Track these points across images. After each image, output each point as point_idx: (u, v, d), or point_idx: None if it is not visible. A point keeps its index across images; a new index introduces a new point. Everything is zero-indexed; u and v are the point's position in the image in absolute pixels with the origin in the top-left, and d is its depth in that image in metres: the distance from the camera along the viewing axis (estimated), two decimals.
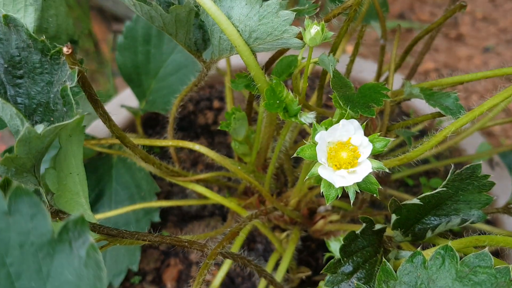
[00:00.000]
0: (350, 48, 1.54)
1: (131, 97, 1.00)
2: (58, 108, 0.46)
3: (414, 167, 0.91)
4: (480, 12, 1.93)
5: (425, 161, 0.96)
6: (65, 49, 0.43)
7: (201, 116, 1.05)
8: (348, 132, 0.50)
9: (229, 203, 0.74)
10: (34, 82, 0.48)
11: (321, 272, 0.56)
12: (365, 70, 1.07)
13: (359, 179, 0.48)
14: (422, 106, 1.04)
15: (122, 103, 0.93)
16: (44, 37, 0.46)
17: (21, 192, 0.31)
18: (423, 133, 1.00)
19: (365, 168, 0.49)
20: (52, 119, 0.47)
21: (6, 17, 0.46)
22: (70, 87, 0.44)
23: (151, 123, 1.04)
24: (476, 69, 1.75)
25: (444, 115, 0.60)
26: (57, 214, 0.48)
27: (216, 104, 1.07)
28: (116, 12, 1.88)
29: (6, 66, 0.48)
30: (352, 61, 0.71)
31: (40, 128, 0.42)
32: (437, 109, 0.60)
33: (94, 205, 0.82)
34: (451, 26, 1.87)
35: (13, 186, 0.31)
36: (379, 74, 0.79)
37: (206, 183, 0.79)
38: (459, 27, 1.88)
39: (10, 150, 0.84)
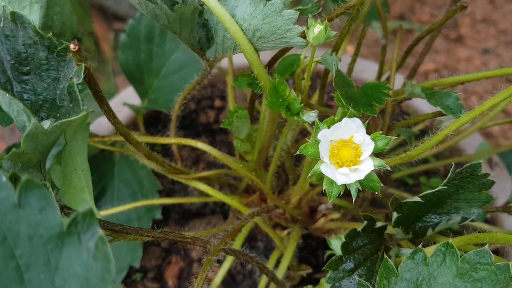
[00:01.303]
0: (350, 49, 1.55)
1: (132, 96, 1.01)
2: (65, 104, 0.46)
3: (414, 167, 0.91)
4: (479, 14, 1.94)
5: (425, 160, 0.97)
6: (72, 46, 0.44)
7: (202, 115, 1.05)
8: (350, 130, 0.50)
9: (231, 201, 0.75)
10: (41, 79, 0.48)
11: (323, 269, 0.57)
12: (366, 70, 1.08)
13: (361, 177, 0.48)
14: (422, 106, 1.05)
15: (124, 102, 0.93)
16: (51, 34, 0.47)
17: (31, 185, 0.32)
18: (423, 133, 1.01)
19: (367, 166, 0.49)
20: (58, 115, 0.47)
21: (13, 14, 0.47)
22: (76, 84, 0.44)
23: (153, 121, 1.05)
24: (476, 70, 1.75)
25: (444, 115, 0.61)
26: (62, 209, 0.48)
27: (217, 103, 1.07)
28: (117, 11, 1.89)
29: (12, 62, 0.48)
30: (354, 61, 0.71)
31: (46, 124, 0.43)
32: (438, 109, 0.61)
33: (97, 203, 0.82)
34: (451, 28, 1.88)
35: (23, 179, 0.32)
36: (380, 74, 0.79)
37: (208, 181, 0.79)
38: (459, 28, 1.89)
39: (14, 146, 0.84)
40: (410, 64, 1.30)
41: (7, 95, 0.43)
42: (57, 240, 0.33)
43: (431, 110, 1.04)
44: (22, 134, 0.46)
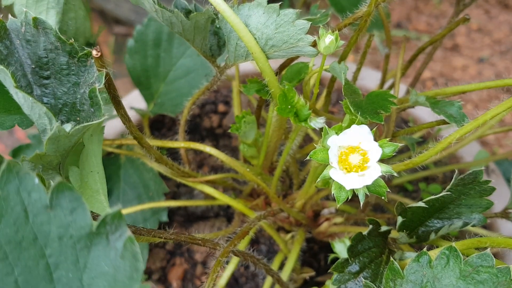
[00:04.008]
0: (351, 57, 1.58)
1: (137, 99, 1.02)
2: (85, 108, 0.48)
3: (414, 173, 0.94)
4: (475, 24, 1.97)
5: (424, 167, 0.99)
6: (94, 52, 0.45)
7: (206, 119, 1.07)
8: (358, 137, 0.52)
9: (237, 204, 0.77)
10: (61, 83, 0.49)
11: (329, 271, 0.59)
12: (366, 78, 1.10)
13: (369, 182, 0.50)
14: (421, 114, 1.08)
15: (129, 105, 0.95)
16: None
17: (63, 187, 0.33)
18: (423, 140, 1.03)
19: (374, 171, 0.51)
20: (78, 119, 0.48)
21: (35, 19, 0.48)
22: (98, 89, 0.46)
23: (157, 125, 1.06)
24: (471, 79, 1.79)
25: (447, 123, 0.63)
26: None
27: (221, 108, 1.09)
28: (117, 15, 1.90)
29: (33, 67, 0.50)
30: (358, 69, 0.73)
31: (68, 127, 0.44)
32: (440, 117, 0.63)
33: None
34: (447, 37, 1.91)
35: (56, 181, 0.33)
36: (383, 82, 0.82)
37: (213, 184, 0.81)
38: (455, 37, 1.93)
39: (19, 148, 0.85)
40: (407, 73, 1.32)
41: (30, 98, 0.44)
42: (86, 240, 0.34)
43: (430, 118, 1.06)
44: (43, 137, 0.47)
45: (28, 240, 0.34)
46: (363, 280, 0.55)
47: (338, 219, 0.77)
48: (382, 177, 0.53)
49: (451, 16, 0.75)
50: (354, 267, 0.59)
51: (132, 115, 0.99)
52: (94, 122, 0.44)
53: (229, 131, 0.71)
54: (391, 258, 0.52)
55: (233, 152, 1.01)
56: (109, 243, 0.34)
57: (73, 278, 0.35)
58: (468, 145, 0.99)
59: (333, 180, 0.51)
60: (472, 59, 1.87)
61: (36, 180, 0.34)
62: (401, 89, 0.90)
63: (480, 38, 1.94)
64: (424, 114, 1.07)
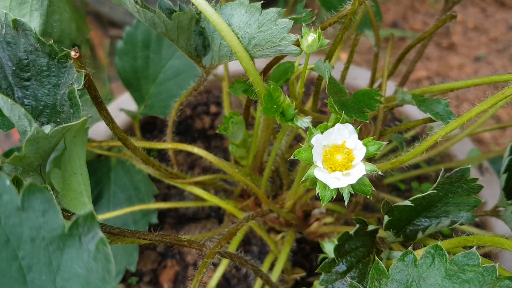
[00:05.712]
0: (344, 56, 1.57)
1: (129, 102, 1.02)
2: (65, 109, 0.47)
3: (406, 172, 0.93)
4: (471, 22, 1.97)
5: (416, 166, 0.98)
6: (73, 53, 0.45)
7: (198, 121, 1.07)
8: (343, 136, 0.52)
9: (226, 205, 0.76)
10: (41, 85, 0.49)
11: (316, 271, 0.58)
12: (359, 77, 1.09)
13: (353, 181, 0.50)
14: (414, 112, 1.07)
15: (121, 107, 0.95)
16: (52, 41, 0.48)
17: (34, 189, 0.33)
18: (415, 139, 1.03)
19: (359, 170, 0.51)
20: (58, 120, 0.48)
21: (15, 21, 0.48)
22: (77, 90, 0.46)
23: (149, 127, 1.06)
24: (467, 77, 1.78)
25: (434, 121, 0.62)
26: (61, 212, 0.49)
27: (213, 109, 1.09)
28: (112, 17, 1.90)
29: (14, 68, 0.49)
30: (346, 68, 0.73)
31: (47, 129, 0.44)
32: (428, 115, 0.63)
33: (93, 207, 0.83)
34: (443, 36, 1.91)
35: (26, 183, 0.33)
36: (372, 81, 0.81)
37: (203, 185, 0.80)
38: (451, 36, 1.92)
39: (11, 151, 0.85)
40: (403, 72, 1.32)
41: (9, 100, 0.44)
42: (58, 242, 0.34)
43: (423, 117, 1.06)
44: (23, 139, 0.47)
45: (0, 242, 0.34)
46: (349, 280, 0.55)
47: (328, 219, 0.77)
48: (370, 176, 0.52)
49: (440, 14, 0.75)
50: (341, 267, 0.58)
51: (124, 117, 1.00)
52: (73, 123, 0.44)
53: (217, 131, 0.71)
54: (376, 258, 0.52)
55: (225, 153, 1.01)
56: (82, 245, 0.34)
57: (47, 280, 0.34)
58: (462, 143, 0.99)
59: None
60: (468, 57, 1.86)
61: (8, 182, 0.33)
62: (393, 87, 0.89)
63: (477, 37, 1.94)
64: (417, 112, 1.06)
